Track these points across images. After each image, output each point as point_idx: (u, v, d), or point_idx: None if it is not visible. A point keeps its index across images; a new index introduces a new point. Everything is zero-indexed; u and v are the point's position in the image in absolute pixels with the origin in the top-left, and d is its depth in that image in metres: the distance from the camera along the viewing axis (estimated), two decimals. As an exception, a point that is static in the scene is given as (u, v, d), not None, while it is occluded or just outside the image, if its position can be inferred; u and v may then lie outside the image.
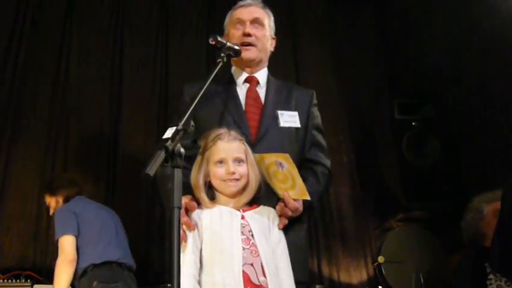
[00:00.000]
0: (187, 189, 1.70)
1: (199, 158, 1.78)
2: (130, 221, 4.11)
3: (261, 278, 1.61)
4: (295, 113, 2.09)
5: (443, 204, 4.01)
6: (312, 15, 5.19)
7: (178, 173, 1.41)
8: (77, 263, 3.14)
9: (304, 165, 2.03)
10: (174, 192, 1.38)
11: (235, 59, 2.02)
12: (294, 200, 1.78)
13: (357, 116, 4.82)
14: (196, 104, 1.66)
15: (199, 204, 1.74)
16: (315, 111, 2.20)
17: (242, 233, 1.67)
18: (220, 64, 1.89)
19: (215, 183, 1.75)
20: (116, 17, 4.81)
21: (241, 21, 2.13)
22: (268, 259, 1.65)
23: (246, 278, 1.59)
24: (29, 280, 3.55)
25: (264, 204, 1.80)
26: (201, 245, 1.66)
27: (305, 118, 2.11)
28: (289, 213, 1.77)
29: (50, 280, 3.20)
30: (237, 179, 1.72)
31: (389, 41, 5.08)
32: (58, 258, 3.12)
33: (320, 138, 2.16)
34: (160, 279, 3.82)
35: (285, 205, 1.77)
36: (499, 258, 2.33)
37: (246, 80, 2.14)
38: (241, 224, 1.69)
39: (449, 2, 4.13)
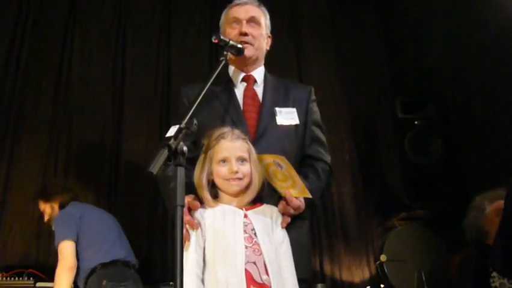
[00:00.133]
0: (189, 189, 1.70)
1: (202, 156, 1.79)
2: (133, 220, 4.13)
3: (264, 277, 1.61)
4: (294, 110, 2.09)
5: (445, 203, 4.00)
6: (314, 15, 5.20)
7: (180, 171, 1.41)
8: (84, 263, 3.17)
9: (305, 162, 2.04)
10: (177, 191, 1.38)
11: (232, 58, 2.01)
12: (295, 198, 1.78)
13: (359, 115, 4.82)
14: (198, 103, 1.66)
15: (202, 203, 1.74)
16: (314, 106, 2.20)
17: (245, 231, 1.67)
18: (223, 62, 1.90)
19: (218, 182, 1.75)
20: (118, 17, 4.82)
21: (238, 20, 2.12)
22: (271, 258, 1.65)
23: (249, 277, 1.59)
24: (31, 278, 3.56)
25: (266, 203, 1.80)
26: (204, 243, 1.66)
27: (304, 114, 2.11)
28: (292, 211, 1.78)
29: (52, 278, 3.20)
30: (240, 178, 1.72)
31: (391, 40, 5.08)
32: (58, 264, 3.14)
33: (319, 133, 2.16)
34: (162, 278, 3.83)
35: (287, 203, 1.77)
36: (501, 258, 2.33)
37: (243, 79, 2.15)
38: (244, 222, 1.69)
39: (451, 1, 4.13)
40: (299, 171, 1.80)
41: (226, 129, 1.78)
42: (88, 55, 4.64)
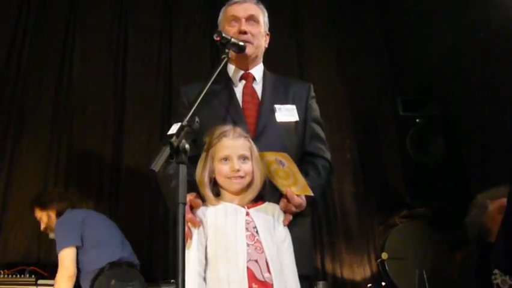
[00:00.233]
0: (190, 187, 1.70)
1: (203, 154, 1.79)
2: (134, 218, 4.14)
3: (266, 274, 1.61)
4: (293, 107, 2.09)
5: (446, 202, 4.01)
6: (315, 15, 5.19)
7: (183, 169, 1.41)
8: (89, 265, 3.16)
9: (305, 159, 2.04)
10: (179, 188, 1.38)
11: (231, 56, 2.01)
12: (297, 195, 1.78)
13: (360, 113, 4.82)
14: (199, 101, 1.67)
15: (203, 201, 1.74)
16: (313, 103, 2.20)
17: (247, 229, 1.67)
18: (225, 60, 1.91)
19: (220, 180, 1.75)
20: (119, 16, 4.81)
21: (236, 18, 2.13)
22: (272, 255, 1.65)
23: (251, 274, 1.59)
24: (33, 275, 3.56)
25: (268, 201, 1.81)
26: (206, 242, 1.67)
27: (303, 111, 2.12)
28: (294, 209, 1.78)
29: (54, 275, 3.21)
30: (242, 177, 1.72)
31: (392, 39, 5.08)
32: (58, 271, 3.14)
33: (319, 130, 2.17)
34: (164, 276, 3.84)
35: (289, 201, 1.77)
36: (504, 255, 2.34)
37: (242, 77, 2.15)
38: (246, 220, 1.70)
39: (451, -1, 4.13)
40: (299, 168, 1.81)
41: (228, 128, 1.79)
42: (89, 54, 4.64)
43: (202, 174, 1.76)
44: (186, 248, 1.63)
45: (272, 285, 1.60)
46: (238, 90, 2.11)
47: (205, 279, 1.62)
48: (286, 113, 2.05)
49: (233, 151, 1.73)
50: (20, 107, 4.32)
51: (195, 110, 1.61)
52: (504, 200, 2.54)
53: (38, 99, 4.40)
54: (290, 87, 2.17)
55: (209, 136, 1.79)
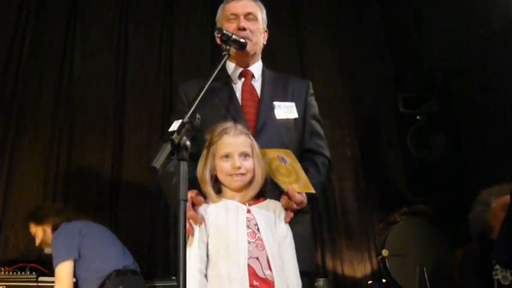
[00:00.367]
0: (190, 184, 1.70)
1: (205, 152, 1.79)
2: (135, 215, 4.14)
3: (267, 272, 1.61)
4: (292, 104, 2.10)
5: (447, 198, 4.01)
6: (316, 11, 5.18)
7: (184, 166, 1.41)
8: (94, 273, 3.13)
9: (304, 156, 2.05)
10: (180, 185, 1.38)
11: (231, 53, 2.00)
12: (298, 193, 1.78)
13: (361, 110, 4.82)
14: (199, 98, 1.67)
15: (205, 198, 1.74)
16: (312, 100, 2.21)
17: (248, 226, 1.68)
18: (226, 57, 1.91)
19: (221, 177, 1.75)
20: (120, 12, 4.80)
21: (235, 15, 2.13)
22: (273, 252, 1.66)
23: (252, 272, 1.60)
24: (34, 272, 3.56)
25: (269, 197, 1.81)
26: (207, 239, 1.67)
27: (303, 108, 2.12)
28: (295, 206, 1.78)
29: (53, 272, 3.21)
30: (243, 174, 1.72)
31: (394, 35, 5.07)
32: (55, 286, 3.10)
33: (318, 127, 2.17)
34: (165, 273, 3.85)
35: (290, 198, 1.77)
36: (508, 251, 2.34)
37: (241, 74, 2.15)
38: (247, 217, 1.70)
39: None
40: (299, 165, 1.81)
41: (229, 125, 1.79)
42: (89, 50, 4.64)
43: (203, 172, 1.76)
44: (188, 245, 1.64)
45: (273, 282, 1.60)
46: (238, 87, 2.12)
47: (206, 276, 1.62)
48: (285, 110, 2.06)
49: (234, 148, 1.73)
50: (20, 105, 4.31)
51: (195, 107, 1.61)
52: (507, 198, 2.56)
53: (39, 97, 4.40)
54: (289, 85, 2.17)
55: (210, 133, 1.79)
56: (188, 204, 1.67)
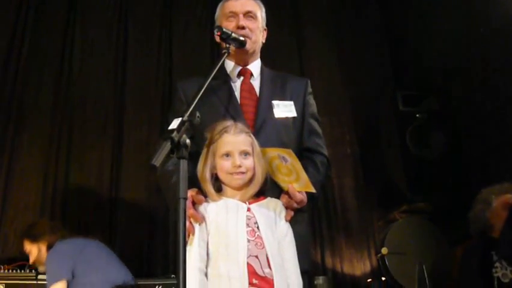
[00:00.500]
0: (191, 183, 1.70)
1: (205, 150, 1.79)
2: (134, 213, 4.14)
3: (266, 270, 1.61)
4: (291, 103, 2.09)
5: (446, 196, 4.01)
6: (316, 9, 5.18)
7: (183, 164, 1.41)
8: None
9: (303, 155, 2.04)
10: (180, 183, 1.38)
11: (230, 51, 2.00)
12: (298, 192, 1.79)
13: (361, 108, 4.82)
14: (199, 96, 1.66)
15: (205, 196, 1.74)
16: (311, 99, 2.21)
17: (247, 225, 1.67)
18: (226, 55, 1.90)
19: (221, 176, 1.75)
20: (119, 9, 4.80)
21: (234, 14, 2.12)
22: (273, 251, 1.66)
23: (251, 270, 1.60)
24: (33, 270, 3.56)
25: (269, 196, 1.81)
26: (208, 237, 1.67)
27: (301, 107, 2.12)
28: (295, 205, 1.79)
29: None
30: (243, 172, 1.72)
31: (393, 33, 5.07)
32: None
33: (316, 126, 2.17)
34: (164, 271, 3.85)
35: (290, 197, 1.77)
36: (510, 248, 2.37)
37: (240, 73, 2.15)
38: (247, 216, 1.70)
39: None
40: (298, 164, 1.81)
41: (229, 123, 1.78)
42: (89, 47, 4.64)
43: (203, 170, 1.76)
44: (188, 244, 1.64)
45: (272, 280, 1.61)
46: (236, 86, 2.11)
47: (206, 275, 1.62)
48: (284, 109, 2.06)
49: (234, 147, 1.73)
50: (19, 104, 4.32)
51: (194, 105, 1.61)
52: (508, 196, 2.58)
53: (38, 96, 4.40)
54: (288, 83, 2.17)
55: (210, 132, 1.79)
56: (189, 203, 1.67)
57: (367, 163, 4.66)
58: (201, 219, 1.68)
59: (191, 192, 1.70)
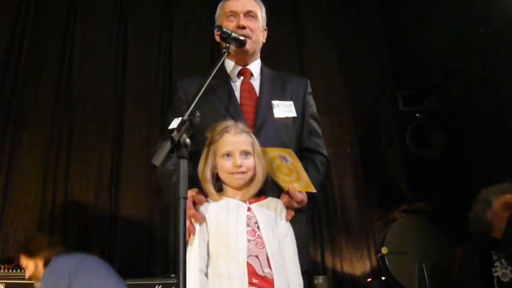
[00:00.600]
0: (192, 182, 1.70)
1: (205, 150, 1.79)
2: (134, 212, 4.14)
3: (266, 270, 1.61)
4: (291, 103, 2.09)
5: (446, 196, 4.01)
6: (316, 9, 5.18)
7: (183, 164, 1.41)
8: None
9: (303, 155, 2.04)
10: (180, 183, 1.38)
11: (230, 51, 2.00)
12: (298, 191, 1.79)
13: (361, 108, 4.82)
14: (199, 95, 1.66)
15: (206, 196, 1.75)
16: (310, 99, 2.21)
17: (248, 224, 1.67)
18: (226, 54, 1.90)
19: (222, 175, 1.75)
20: (119, 9, 4.80)
21: (235, 14, 2.13)
22: (273, 251, 1.65)
23: (251, 270, 1.60)
24: (33, 270, 3.56)
25: (269, 196, 1.80)
26: (208, 237, 1.67)
27: (301, 107, 2.12)
28: (296, 205, 1.78)
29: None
30: (244, 172, 1.72)
31: (393, 32, 5.07)
32: None
33: (316, 126, 2.17)
34: (164, 270, 3.85)
35: (291, 197, 1.77)
36: None
37: (240, 73, 2.15)
38: (247, 216, 1.70)
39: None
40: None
41: (229, 123, 1.78)
42: (89, 47, 4.64)
43: (204, 170, 1.76)
44: (189, 243, 1.64)
45: (272, 280, 1.60)
46: (236, 85, 2.11)
47: (207, 274, 1.62)
48: (284, 109, 2.06)
49: (235, 147, 1.73)
50: (19, 103, 4.32)
51: (195, 105, 1.61)
52: (509, 197, 2.59)
53: (38, 95, 4.41)
54: (288, 83, 2.17)
55: (211, 132, 1.79)
56: (190, 203, 1.68)
57: (367, 163, 4.66)
58: (202, 220, 1.68)
59: (191, 192, 1.70)
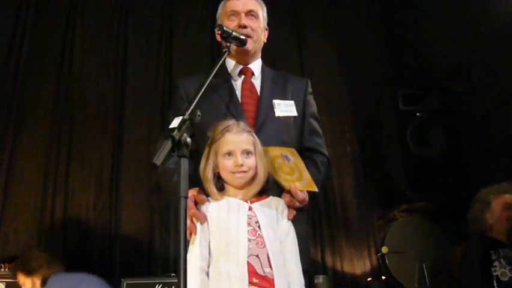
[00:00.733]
0: (194, 182, 1.71)
1: (207, 149, 1.79)
2: (134, 211, 4.15)
3: (267, 269, 1.61)
4: (292, 102, 2.10)
5: (446, 195, 4.01)
6: (316, 8, 5.18)
7: (184, 163, 1.42)
8: None
9: (304, 155, 2.04)
10: (181, 182, 1.38)
11: (231, 50, 2.00)
12: (300, 191, 1.79)
13: (361, 107, 4.81)
14: (200, 94, 1.67)
15: (207, 196, 1.75)
16: (311, 99, 2.22)
17: (249, 224, 1.68)
18: (227, 53, 1.91)
19: (223, 175, 1.76)
20: (120, 8, 4.80)
21: (236, 13, 2.13)
22: (274, 250, 1.66)
23: (251, 270, 1.60)
24: (33, 269, 3.55)
25: (271, 195, 1.81)
26: (209, 237, 1.67)
27: (302, 107, 2.13)
28: (297, 204, 1.79)
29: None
30: (245, 171, 1.73)
31: (394, 32, 5.07)
32: None
33: (316, 126, 2.18)
34: (165, 269, 3.85)
35: (292, 196, 1.78)
36: None
37: (241, 72, 2.15)
38: (248, 215, 1.70)
39: (454, -8, 4.12)
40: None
41: (231, 122, 1.79)
42: (89, 45, 4.63)
43: (205, 169, 1.76)
44: (190, 243, 1.65)
45: (273, 279, 1.61)
46: (237, 85, 2.11)
47: (208, 274, 1.62)
48: (285, 108, 2.07)
49: (236, 146, 1.73)
50: (20, 102, 4.32)
51: (195, 104, 1.61)
52: (507, 197, 2.61)
53: (38, 93, 4.40)
54: (289, 83, 2.18)
55: (212, 131, 1.79)
56: (191, 203, 1.68)
57: (367, 162, 4.66)
58: (203, 219, 1.68)
59: (192, 192, 1.71)
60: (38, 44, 4.52)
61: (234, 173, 1.72)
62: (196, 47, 4.75)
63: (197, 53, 4.70)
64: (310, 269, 2.01)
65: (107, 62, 4.61)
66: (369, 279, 4.23)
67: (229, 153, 1.74)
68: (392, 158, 4.52)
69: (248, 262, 1.60)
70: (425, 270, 3.76)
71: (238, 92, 2.08)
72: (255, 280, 1.59)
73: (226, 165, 1.73)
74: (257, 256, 1.62)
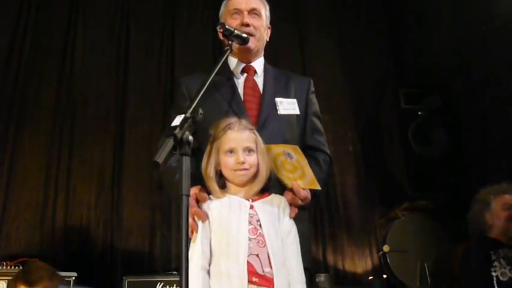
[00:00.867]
0: (196, 180, 1.71)
1: (209, 147, 1.79)
2: (136, 209, 4.15)
3: (266, 269, 1.61)
4: (294, 101, 2.10)
5: (447, 194, 4.01)
6: (318, 7, 5.18)
7: (186, 161, 1.42)
8: None
9: (306, 153, 2.04)
10: (182, 180, 1.38)
11: (234, 49, 2.01)
12: (302, 189, 1.79)
13: (362, 106, 4.82)
14: (202, 92, 1.67)
15: (209, 193, 1.75)
16: (313, 98, 2.22)
17: (250, 222, 1.67)
18: (229, 52, 1.91)
19: (225, 172, 1.75)
20: (121, 6, 4.80)
21: (239, 11, 2.13)
22: (275, 249, 1.65)
23: (251, 269, 1.60)
24: (35, 268, 3.56)
25: (273, 193, 1.81)
26: (211, 235, 1.67)
27: (304, 105, 2.13)
28: (300, 202, 1.79)
29: (56, 266, 3.21)
30: (247, 169, 1.72)
31: (395, 31, 5.06)
32: None
33: (318, 124, 2.18)
34: (166, 267, 3.86)
35: (295, 194, 1.78)
36: None
37: (244, 70, 2.15)
38: (250, 213, 1.69)
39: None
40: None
41: (233, 120, 1.79)
42: (91, 45, 4.63)
43: (207, 167, 1.76)
44: (191, 241, 1.64)
45: (272, 279, 1.60)
46: (240, 83, 2.11)
47: (209, 272, 1.62)
48: (287, 107, 2.07)
49: (238, 143, 1.73)
50: (21, 101, 4.31)
51: (197, 102, 1.61)
52: (507, 197, 2.61)
53: (40, 89, 4.40)
54: (291, 81, 2.18)
55: (214, 129, 1.79)
56: (193, 201, 1.68)
57: (369, 161, 4.66)
58: (205, 217, 1.68)
59: (194, 190, 1.71)
60: (40, 44, 4.52)
61: (235, 170, 1.72)
62: (198, 46, 4.75)
63: (199, 53, 4.70)
64: (312, 267, 2.01)
65: (109, 61, 4.61)
66: (370, 277, 4.23)
67: (231, 151, 1.73)
68: (393, 157, 4.52)
69: (248, 261, 1.60)
70: (426, 268, 3.76)
71: (240, 90, 2.08)
72: (254, 279, 1.58)
73: (228, 162, 1.73)
74: (257, 255, 1.62)
